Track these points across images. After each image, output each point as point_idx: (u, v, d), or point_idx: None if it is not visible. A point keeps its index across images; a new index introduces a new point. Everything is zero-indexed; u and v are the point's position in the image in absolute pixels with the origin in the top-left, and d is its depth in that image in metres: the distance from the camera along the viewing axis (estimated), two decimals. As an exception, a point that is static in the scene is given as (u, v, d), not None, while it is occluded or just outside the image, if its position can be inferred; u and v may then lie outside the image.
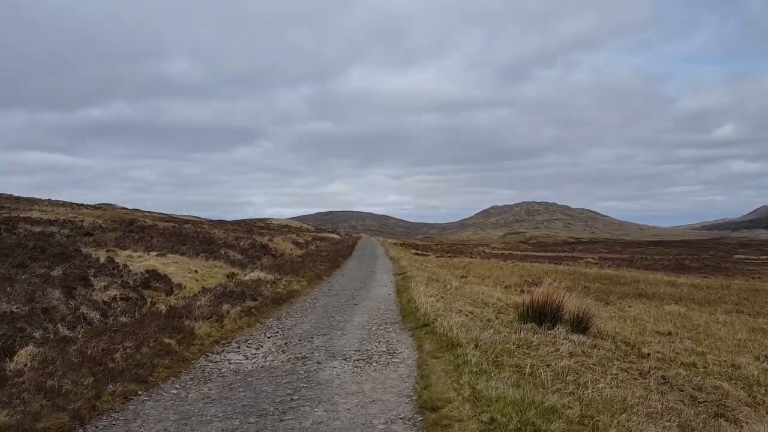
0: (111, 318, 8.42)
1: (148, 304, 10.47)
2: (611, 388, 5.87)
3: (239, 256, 24.48)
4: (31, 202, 45.20)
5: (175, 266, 16.88)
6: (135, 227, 29.10)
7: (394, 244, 62.92)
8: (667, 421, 5.32)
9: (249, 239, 29.06)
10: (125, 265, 13.32)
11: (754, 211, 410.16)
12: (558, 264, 47.78)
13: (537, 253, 76.27)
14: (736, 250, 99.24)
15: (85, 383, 4.95)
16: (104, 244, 20.08)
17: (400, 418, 4.72)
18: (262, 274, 16.82)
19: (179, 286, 13.61)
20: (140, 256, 17.27)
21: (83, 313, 8.59)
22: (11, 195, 46.60)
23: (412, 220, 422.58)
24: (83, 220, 29.10)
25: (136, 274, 12.49)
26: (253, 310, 10.06)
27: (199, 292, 12.45)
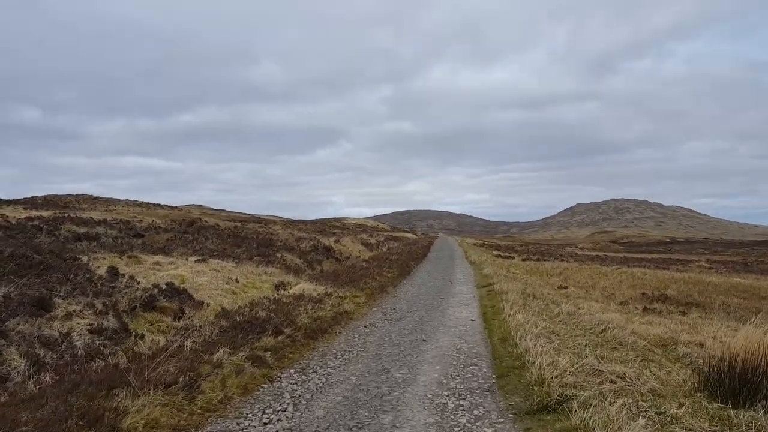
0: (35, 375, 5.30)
1: (132, 337, 7.39)
2: None
3: (297, 260, 21.57)
4: (108, 202, 45.65)
5: (210, 276, 14.08)
6: (193, 228, 27.18)
7: (474, 244, 58.34)
8: None
9: (312, 240, 26.23)
10: (132, 278, 10.48)
11: None
12: (666, 269, 41.19)
13: (635, 255, 68.30)
14: None
15: None
16: (137, 247, 17.78)
17: None
18: (310, 286, 13.53)
19: (200, 304, 10.66)
20: (171, 263, 14.68)
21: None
22: (91, 196, 47.45)
23: (491, 219, 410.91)
24: (141, 221, 27.58)
25: (141, 290, 9.64)
26: (267, 355, 6.63)
27: (217, 315, 9.29)
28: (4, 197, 32.83)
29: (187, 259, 16.28)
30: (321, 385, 5.81)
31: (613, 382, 5.62)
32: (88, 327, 7.18)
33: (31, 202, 33.72)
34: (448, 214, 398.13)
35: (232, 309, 9.92)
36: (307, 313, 9.69)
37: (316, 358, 7.04)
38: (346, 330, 9.13)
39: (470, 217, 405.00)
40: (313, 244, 25.28)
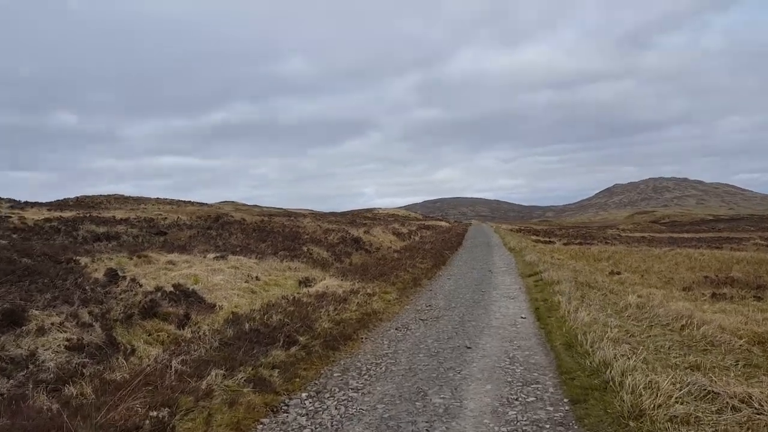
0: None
1: (122, 353, 6.22)
2: None
3: (325, 254, 20.35)
4: (139, 201, 45.61)
5: (228, 274, 12.96)
6: (218, 224, 26.33)
7: (510, 230, 56.17)
8: None
9: (340, 232, 24.99)
10: (134, 280, 9.36)
11: None
12: (719, 248, 38.33)
13: (681, 235, 64.70)
14: None
15: None
16: (157, 245, 16.86)
17: None
18: (335, 282, 12.23)
19: (210, 308, 9.49)
20: (186, 261, 13.63)
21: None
22: (122, 196, 47.53)
23: (525, 204, 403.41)
24: (166, 218, 26.90)
25: (142, 294, 8.52)
26: (274, 374, 5.32)
27: (226, 321, 8.05)
28: (35, 200, 32.81)
29: (205, 256, 15.23)
30: (338, 418, 4.44)
31: (736, 409, 4.06)
32: (67, 342, 6.02)
33: (60, 204, 33.65)
34: (481, 201, 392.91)
35: (244, 313, 8.67)
36: (328, 315, 8.35)
37: (335, 375, 5.68)
38: (374, 335, 7.75)
39: (504, 202, 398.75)
40: (342, 235, 24.03)
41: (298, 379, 5.43)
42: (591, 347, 5.80)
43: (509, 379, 5.34)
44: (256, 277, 13.74)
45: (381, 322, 8.65)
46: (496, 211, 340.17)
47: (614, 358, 5.08)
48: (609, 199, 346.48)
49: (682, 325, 7.63)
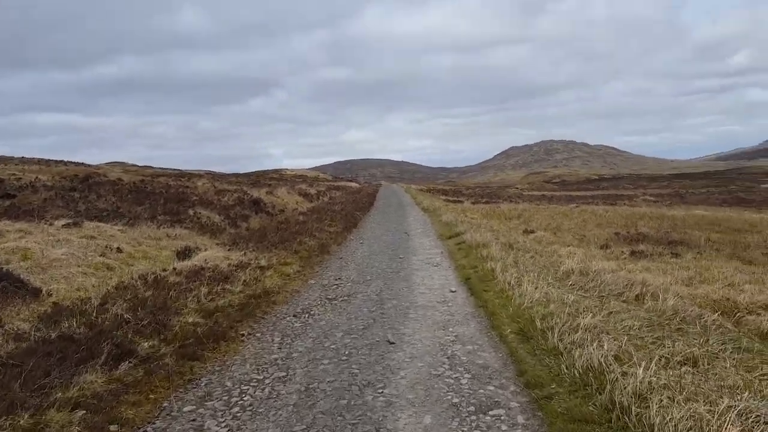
0: None
1: None
2: None
3: (216, 218, 17.63)
4: (2, 161, 38.88)
5: (77, 246, 10.09)
6: (85, 184, 22.32)
7: (420, 190, 55.68)
8: None
9: (237, 193, 22.15)
10: None
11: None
12: (614, 204, 40.32)
13: (575, 193, 68.33)
14: (761, 179, 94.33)
15: None
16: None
17: None
18: (220, 253, 9.88)
19: (36, 293, 6.87)
20: (20, 230, 10.53)
21: None
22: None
23: (432, 165, 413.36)
24: (20, 179, 22.35)
25: None
26: (70, 426, 3.07)
27: (42, 316, 5.54)
28: None
29: (51, 224, 12.08)
30: None
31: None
32: None
33: None
34: (390, 162, 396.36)
35: (74, 303, 6.16)
36: (198, 302, 6.11)
37: (185, 411, 3.56)
38: (263, 327, 5.66)
39: (412, 164, 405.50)
40: (238, 197, 21.24)
41: (115, 427, 3.24)
42: (560, 340, 4.16)
43: (455, 400, 3.56)
44: (118, 248, 10.97)
45: (275, 307, 6.56)
46: (405, 172, 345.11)
47: (606, 363, 3.42)
48: (506, 161, 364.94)
49: (637, 295, 6.35)
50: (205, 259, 8.86)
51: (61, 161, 47.70)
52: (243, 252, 9.98)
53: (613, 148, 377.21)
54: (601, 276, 6.95)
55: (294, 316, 6.18)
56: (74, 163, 48.96)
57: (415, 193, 43.15)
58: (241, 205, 20.00)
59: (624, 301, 6.14)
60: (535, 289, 5.77)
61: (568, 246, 14.56)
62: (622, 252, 13.52)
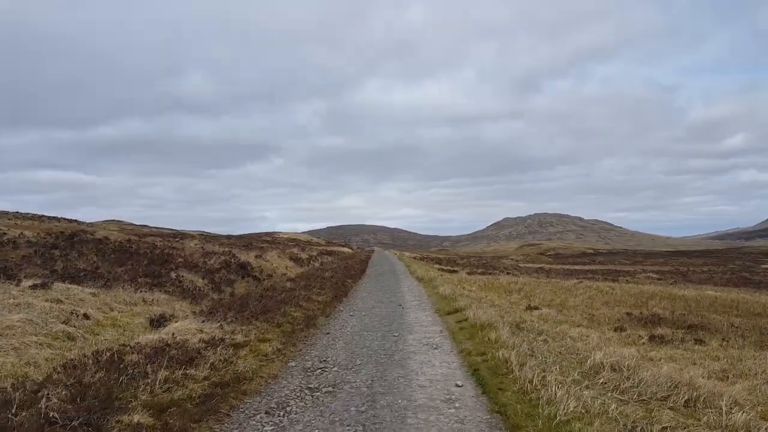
0: None
1: None
2: None
3: (200, 282, 16.48)
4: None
5: (38, 311, 8.92)
6: (69, 242, 21.27)
7: (413, 258, 54.64)
8: None
9: (225, 256, 21.08)
10: None
11: (766, 220, 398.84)
12: (615, 281, 39.31)
13: (575, 267, 67.41)
14: (761, 259, 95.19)
15: None
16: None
17: None
18: (194, 324, 8.73)
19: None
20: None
21: None
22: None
23: (424, 233, 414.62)
24: (5, 233, 21.35)
25: None
26: None
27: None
28: None
29: (18, 284, 10.95)
30: None
31: None
32: None
33: None
34: (383, 229, 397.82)
35: (15, 382, 5.02)
36: (151, 392, 4.99)
37: None
38: (225, 430, 4.51)
39: (404, 231, 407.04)
40: (225, 260, 20.16)
41: None
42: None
43: None
44: (85, 314, 9.83)
45: (245, 399, 5.41)
46: (397, 239, 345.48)
47: None
48: (499, 232, 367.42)
49: (687, 401, 5.27)
50: (173, 333, 7.73)
51: (55, 217, 46.72)
52: (219, 324, 8.85)
53: (608, 223, 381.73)
54: (637, 373, 5.88)
55: (266, 413, 5.04)
56: (68, 219, 47.99)
57: (408, 261, 42.13)
58: (227, 268, 18.91)
59: (672, 408, 5.06)
60: (567, 394, 4.70)
61: (578, 326, 13.47)
62: (640, 336, 12.41)
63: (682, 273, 56.79)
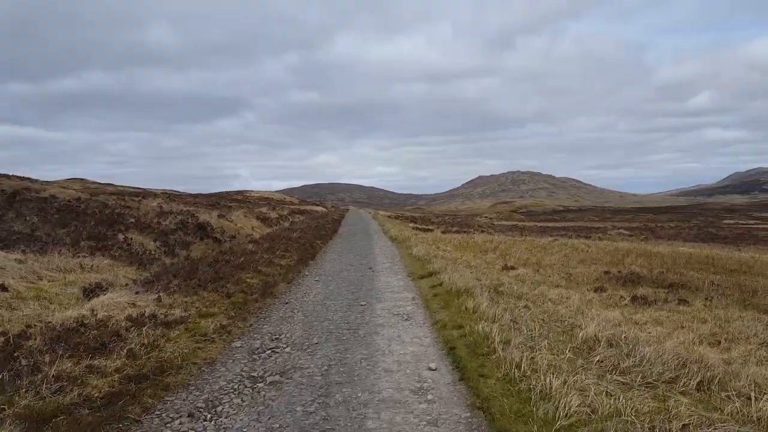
0: None
1: None
2: None
3: (151, 245, 15.14)
4: None
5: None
6: (11, 201, 19.47)
7: (388, 216, 53.76)
8: None
9: (182, 215, 19.62)
10: None
11: (727, 177, 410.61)
12: (588, 237, 39.24)
13: (547, 224, 67.72)
14: (723, 215, 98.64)
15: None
16: None
17: None
18: (126, 296, 7.53)
19: None
20: None
21: None
22: None
23: (399, 192, 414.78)
24: (-73, 193, 19.46)
25: None
26: None
27: None
28: None
29: None
30: None
31: None
32: None
33: None
34: (359, 187, 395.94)
35: None
36: (37, 393, 3.84)
37: None
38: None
39: (380, 189, 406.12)
40: (182, 220, 18.74)
41: None
42: None
43: None
44: (2, 285, 8.49)
45: (166, 396, 4.32)
46: (373, 197, 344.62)
47: None
48: (474, 190, 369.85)
49: (699, 383, 4.40)
50: (96, 308, 6.52)
51: (5, 175, 43.89)
52: (158, 295, 7.67)
53: (578, 181, 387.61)
54: (638, 349, 4.99)
55: (189, 415, 3.96)
56: (19, 177, 45.18)
57: (382, 220, 41.20)
58: (184, 229, 17.54)
59: (684, 393, 4.17)
60: (566, 385, 3.74)
61: (557, 287, 12.74)
62: (622, 297, 11.72)
63: (650, 229, 57.52)
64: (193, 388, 4.58)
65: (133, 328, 5.84)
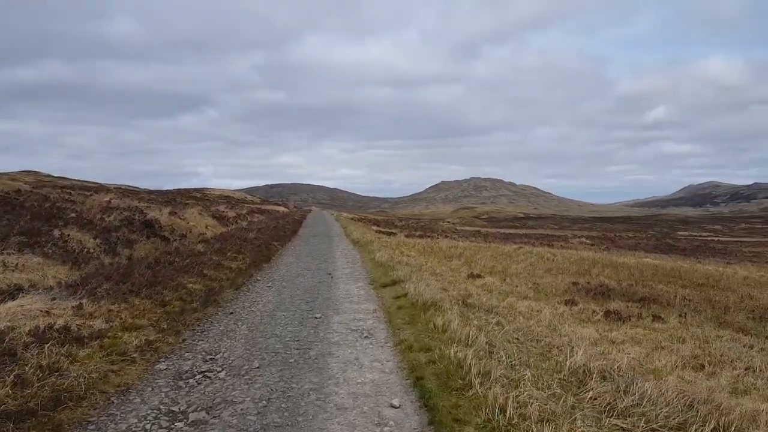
0: None
1: None
2: None
3: (91, 242, 13.78)
4: None
5: None
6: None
7: (351, 219, 52.81)
8: None
9: (128, 211, 18.15)
10: None
11: (680, 189, 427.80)
12: (550, 246, 39.37)
13: (511, 231, 68.17)
14: (677, 226, 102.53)
15: None
16: None
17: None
18: (40, 303, 6.40)
19: None
20: None
21: None
22: None
23: (363, 194, 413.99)
24: None
25: None
26: None
27: None
28: None
29: None
30: None
31: None
32: None
33: None
34: (322, 188, 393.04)
35: None
36: None
37: None
38: None
39: (343, 191, 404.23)
40: (128, 216, 17.32)
41: None
42: None
43: None
44: None
45: (50, 443, 3.32)
46: (336, 199, 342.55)
47: None
48: (437, 194, 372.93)
49: (713, 430, 3.72)
50: (2, 316, 5.40)
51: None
52: (79, 302, 6.56)
53: (537, 189, 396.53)
54: (636, 384, 4.29)
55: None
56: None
57: (345, 222, 40.26)
58: (129, 226, 16.15)
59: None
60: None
61: (525, 299, 12.18)
62: (594, 312, 11.23)
63: (610, 239, 58.56)
64: (92, 428, 3.59)
65: (35, 344, 4.78)
